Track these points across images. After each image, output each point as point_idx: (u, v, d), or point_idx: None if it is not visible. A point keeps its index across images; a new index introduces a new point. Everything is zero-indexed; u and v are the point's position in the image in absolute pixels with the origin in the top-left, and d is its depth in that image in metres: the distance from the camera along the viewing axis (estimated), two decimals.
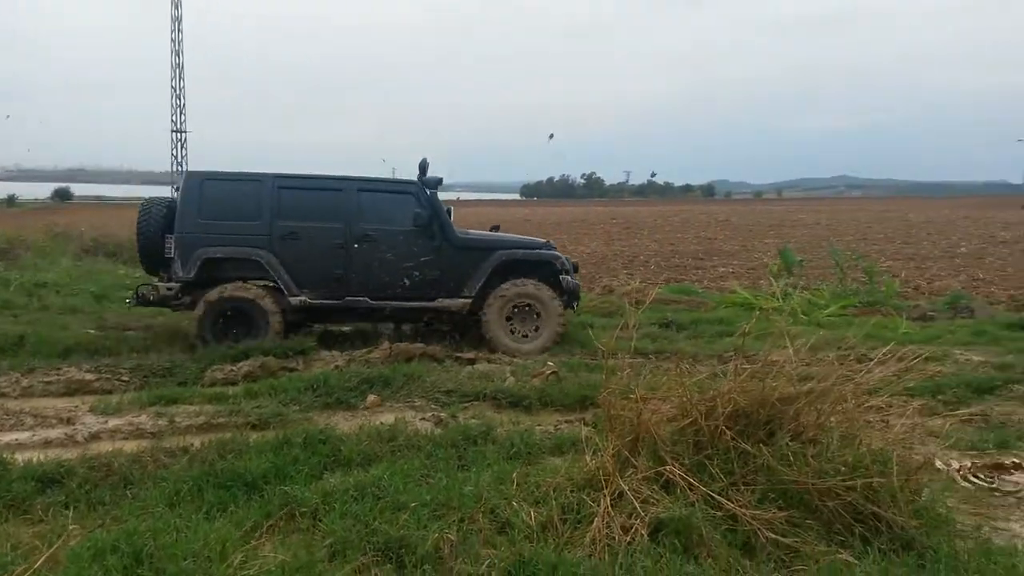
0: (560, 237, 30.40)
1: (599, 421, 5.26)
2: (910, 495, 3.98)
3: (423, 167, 9.33)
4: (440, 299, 8.91)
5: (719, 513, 3.87)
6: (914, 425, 5.56)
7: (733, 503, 3.92)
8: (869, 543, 3.74)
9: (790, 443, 4.14)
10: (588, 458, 4.44)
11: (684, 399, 4.38)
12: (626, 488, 4.02)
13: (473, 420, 6.10)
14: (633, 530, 3.77)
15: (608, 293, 14.51)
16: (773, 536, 3.72)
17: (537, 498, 4.29)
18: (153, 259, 9.03)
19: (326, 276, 8.89)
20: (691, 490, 3.98)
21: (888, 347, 4.58)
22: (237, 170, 9.08)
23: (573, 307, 9.51)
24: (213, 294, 8.60)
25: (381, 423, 5.78)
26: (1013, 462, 5.22)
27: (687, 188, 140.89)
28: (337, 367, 7.76)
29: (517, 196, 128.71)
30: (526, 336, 9.08)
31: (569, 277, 9.41)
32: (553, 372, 7.49)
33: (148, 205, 9.08)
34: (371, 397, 6.72)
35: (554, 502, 4.15)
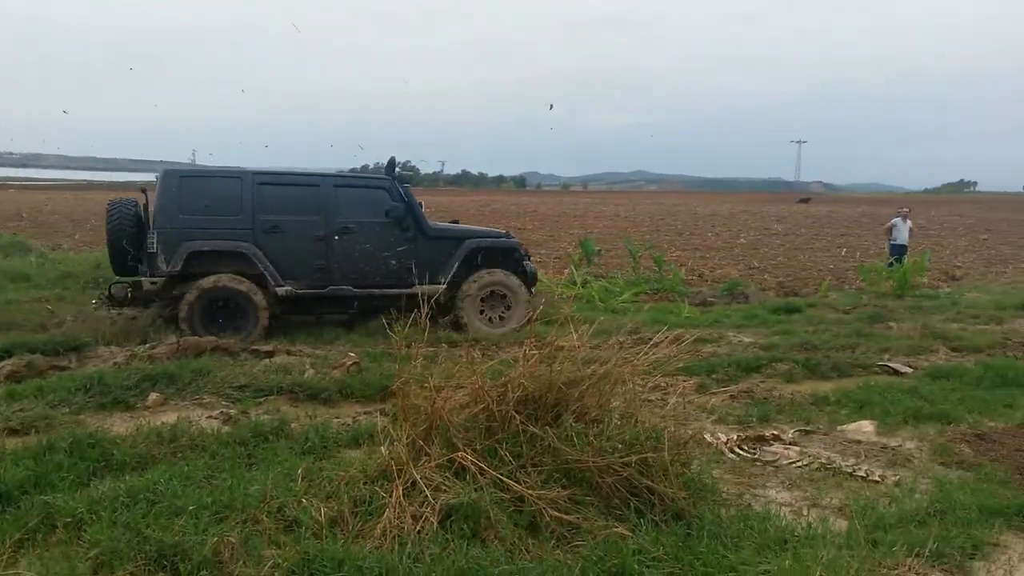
0: None
1: (396, 411, 5.22)
2: (680, 468, 4.28)
3: (391, 164, 9.89)
4: (415, 285, 9.18)
5: (507, 495, 3.97)
6: (689, 402, 6.02)
7: (521, 485, 4.03)
8: (643, 515, 3.99)
9: (574, 424, 4.32)
10: (383, 449, 4.41)
11: (477, 386, 4.45)
12: (418, 477, 4.03)
13: (266, 416, 5.87)
14: (423, 518, 3.79)
15: None
16: (556, 514, 3.87)
17: (329, 493, 4.20)
18: (124, 260, 9.01)
19: (309, 267, 9.24)
20: (482, 475, 4.05)
21: (664, 330, 4.89)
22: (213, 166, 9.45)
23: (531, 291, 10.19)
24: (207, 282, 8.65)
25: (162, 423, 5.41)
26: (772, 434, 5.78)
27: (500, 179, 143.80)
28: (116, 364, 7.18)
29: None
30: (499, 319, 9.84)
31: (528, 263, 10.29)
32: (354, 363, 7.36)
33: (118, 205, 9.09)
34: (153, 396, 6.28)
35: (345, 496, 4.08)
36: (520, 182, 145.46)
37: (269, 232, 9.04)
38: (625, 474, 4.10)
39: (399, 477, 4.06)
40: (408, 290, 9.22)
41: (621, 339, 4.63)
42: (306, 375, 7.05)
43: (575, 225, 33.22)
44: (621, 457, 4.11)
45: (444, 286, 9.44)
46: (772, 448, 5.53)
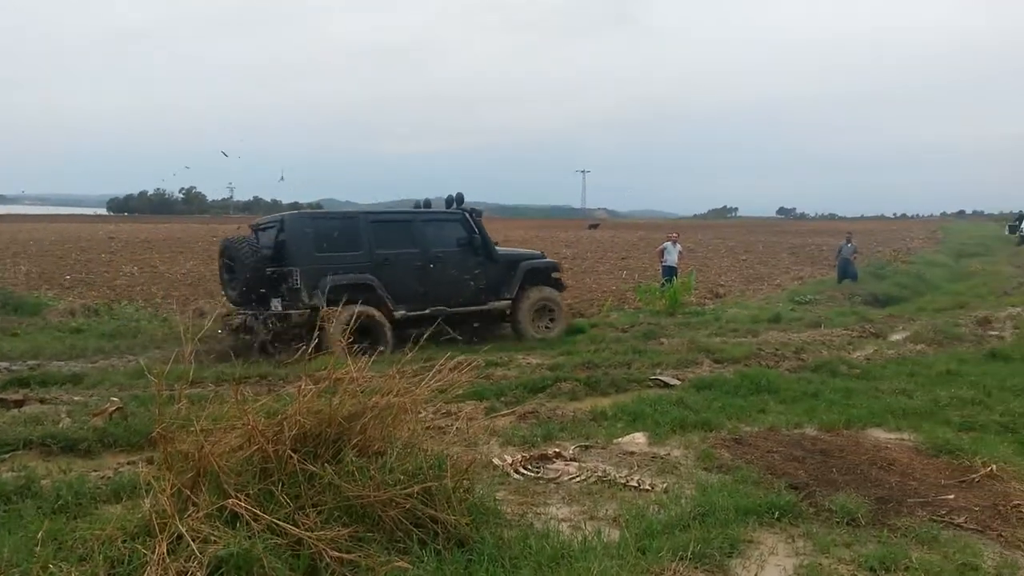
0: (148, 257, 27.90)
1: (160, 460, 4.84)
2: (463, 494, 4.31)
3: (459, 199, 11.50)
4: (490, 302, 11.16)
5: (284, 540, 3.79)
6: (478, 426, 6.09)
7: (299, 527, 3.86)
8: (426, 545, 3.96)
9: (356, 459, 4.21)
10: (145, 502, 4.05)
11: (250, 427, 4.22)
12: (184, 530, 3.73)
13: (9, 474, 5.22)
14: (189, 574, 3.51)
15: (200, 316, 13.53)
16: (337, 554, 3.74)
17: (82, 555, 3.80)
18: (254, 293, 10.11)
19: (414, 292, 10.65)
20: (256, 520, 3.83)
21: (445, 357, 4.91)
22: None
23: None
24: (353, 310, 9.26)
25: None
26: (555, 451, 5.99)
27: (296, 206, 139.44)
28: None
29: (103, 211, 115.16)
30: (546, 327, 11.70)
31: (559, 278, 12.29)
32: (118, 408, 6.75)
33: (243, 243, 10.15)
34: None
35: (101, 557, 3.71)
36: (317, 208, 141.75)
37: (383, 264, 10.47)
38: (408, 505, 4.06)
39: (162, 532, 3.75)
40: (484, 307, 11.23)
41: (402, 368, 4.59)
42: (61, 424, 6.37)
43: None
44: (403, 489, 4.06)
45: (510, 301, 11.36)
46: (554, 465, 5.73)
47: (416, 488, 4.05)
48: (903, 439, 6.54)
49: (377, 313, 10.02)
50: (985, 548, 4.39)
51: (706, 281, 22.57)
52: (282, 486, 4.07)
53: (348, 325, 8.58)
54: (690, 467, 5.81)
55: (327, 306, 9.49)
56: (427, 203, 11.50)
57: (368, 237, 10.47)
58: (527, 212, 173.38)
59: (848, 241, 22.21)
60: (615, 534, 4.41)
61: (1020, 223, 50.72)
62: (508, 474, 5.51)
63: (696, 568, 4.06)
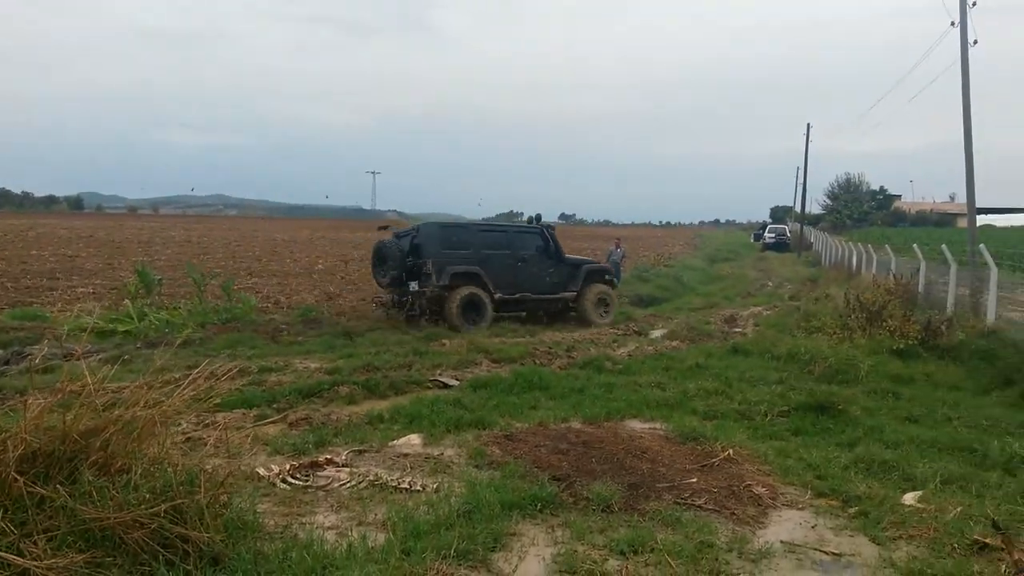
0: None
1: None
2: (219, 509, 4.08)
3: (538, 218, 15.94)
4: (562, 292, 15.07)
5: (9, 571, 3.40)
6: (244, 435, 5.82)
7: (26, 556, 3.48)
8: (175, 567, 3.71)
9: (95, 478, 3.86)
10: None
11: None
12: None
13: None
14: None
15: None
16: None
17: None
18: (400, 278, 14.05)
19: (507, 281, 14.41)
20: None
21: (202, 365, 4.63)
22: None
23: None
24: (465, 291, 13.71)
25: None
26: (326, 458, 5.85)
27: (51, 200, 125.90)
28: None
29: None
30: (603, 314, 15.32)
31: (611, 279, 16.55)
32: None
33: (394, 244, 14.25)
34: None
35: None
36: (76, 203, 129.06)
37: (486, 260, 14.22)
38: (154, 525, 3.78)
39: None
40: (555, 295, 15.07)
41: (150, 379, 4.27)
42: None
43: (139, 252, 30.42)
44: (149, 508, 3.78)
45: (575, 292, 15.21)
46: (325, 472, 5.60)
47: (163, 507, 3.79)
48: (656, 428, 7.06)
49: (482, 293, 13.88)
50: (720, 526, 4.86)
51: None
52: (5, 512, 3.65)
53: (462, 300, 13.56)
54: (462, 465, 5.91)
55: (449, 287, 13.56)
56: (538, 217, 16.02)
57: (476, 240, 14.43)
58: (317, 212, 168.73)
59: (617, 246, 23.72)
60: (381, 538, 4.38)
61: (763, 232, 58.13)
62: (274, 484, 5.31)
63: (460, 566, 4.14)
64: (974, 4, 18.59)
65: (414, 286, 13.81)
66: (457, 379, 8.91)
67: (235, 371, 4.87)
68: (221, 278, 16.57)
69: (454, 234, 14.53)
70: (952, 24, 18.98)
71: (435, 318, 13.67)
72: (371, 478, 5.47)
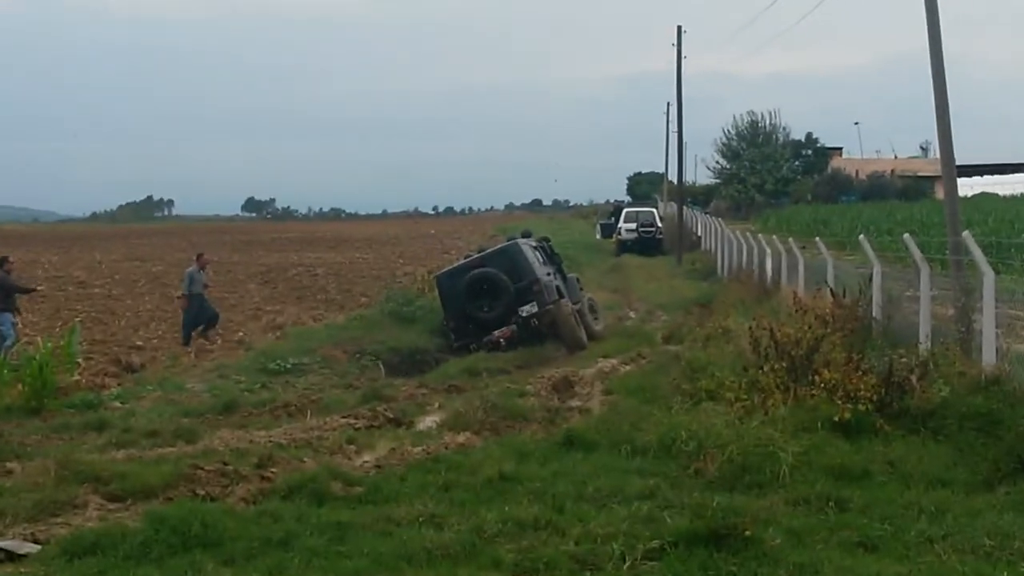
0: None
1: None
2: None
3: (527, 233, 17.91)
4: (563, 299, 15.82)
5: None
6: None
7: None
8: None
9: None
10: None
11: None
12: None
13: None
14: None
15: None
16: None
17: None
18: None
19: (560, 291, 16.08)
20: None
21: None
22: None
23: None
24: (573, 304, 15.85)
25: None
26: None
27: None
28: None
29: None
30: (595, 320, 16.12)
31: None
32: None
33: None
34: None
35: None
36: None
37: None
38: None
39: None
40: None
41: None
42: None
43: None
44: None
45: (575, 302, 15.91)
46: None
47: None
48: None
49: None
50: None
51: (109, 340, 15.18)
52: None
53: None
54: None
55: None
56: (527, 233, 18.01)
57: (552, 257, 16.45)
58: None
59: (200, 267, 15.96)
60: None
61: (617, 221, 36.81)
62: None
63: None
64: None
65: (529, 309, 14.13)
66: (37, 540, 4.71)
67: None
68: None
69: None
70: None
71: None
72: None
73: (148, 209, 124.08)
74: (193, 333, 15.14)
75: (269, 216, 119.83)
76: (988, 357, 7.49)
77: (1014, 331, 7.88)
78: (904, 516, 5.12)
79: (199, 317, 15.34)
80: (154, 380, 11.54)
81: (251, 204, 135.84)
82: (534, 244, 16.09)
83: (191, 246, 35.66)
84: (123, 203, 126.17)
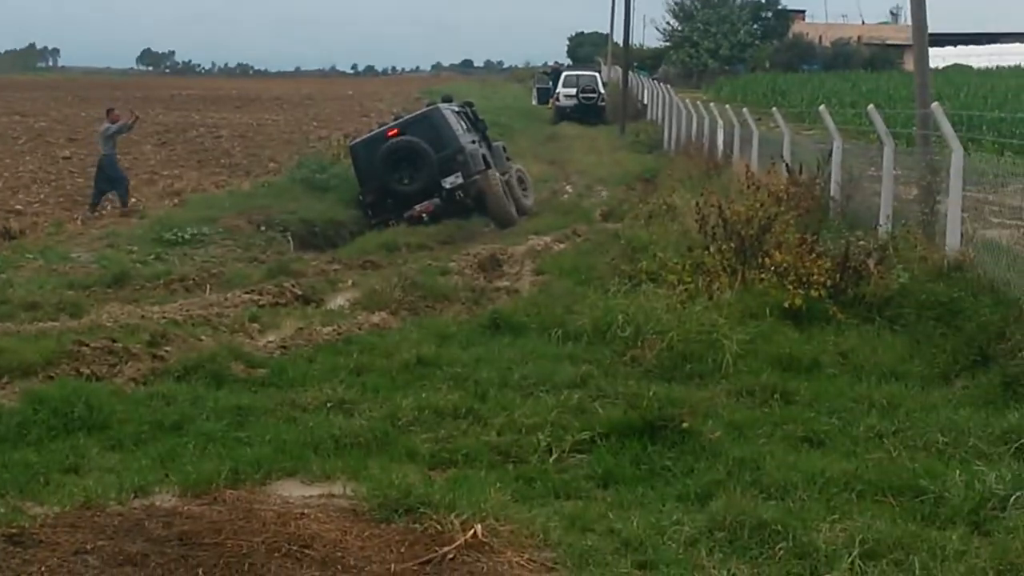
0: None
1: None
2: None
3: (448, 98, 16.76)
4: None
5: None
6: None
7: None
8: None
9: None
10: None
11: None
12: None
13: None
14: None
15: None
16: None
17: None
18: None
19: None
20: None
21: None
22: None
23: None
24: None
25: None
26: None
27: None
28: None
29: None
30: (524, 193, 15.60)
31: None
32: None
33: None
34: None
35: None
36: None
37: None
38: None
39: None
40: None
41: None
42: None
43: None
44: None
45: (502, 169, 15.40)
46: None
47: None
48: (333, 496, 4.03)
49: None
50: None
51: None
52: None
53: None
54: None
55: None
56: (448, 97, 17.21)
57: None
58: None
59: (112, 121, 14.52)
60: None
61: (554, 86, 34.97)
62: None
63: None
64: None
65: (453, 180, 13.47)
66: None
67: None
68: None
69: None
70: None
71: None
72: None
73: (30, 58, 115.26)
74: (104, 198, 14.21)
75: (168, 70, 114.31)
76: (952, 242, 7.15)
77: (982, 215, 7.45)
78: (854, 410, 5.00)
79: (114, 179, 14.21)
80: (35, 248, 10.92)
81: (147, 56, 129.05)
82: (456, 109, 15.28)
83: (79, 101, 33.38)
84: (1, 51, 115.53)
